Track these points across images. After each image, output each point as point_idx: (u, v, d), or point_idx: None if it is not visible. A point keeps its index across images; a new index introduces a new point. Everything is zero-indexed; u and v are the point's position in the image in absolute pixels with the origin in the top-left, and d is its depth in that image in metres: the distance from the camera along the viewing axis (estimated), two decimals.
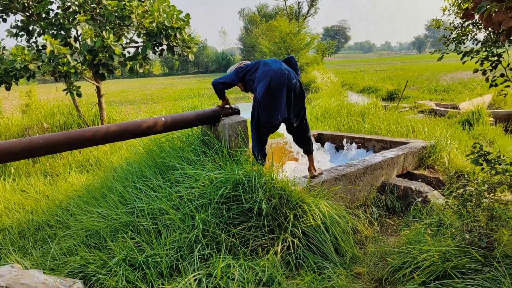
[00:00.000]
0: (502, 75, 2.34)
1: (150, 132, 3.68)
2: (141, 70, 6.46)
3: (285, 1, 47.68)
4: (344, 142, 6.20)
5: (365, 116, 8.03)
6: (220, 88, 4.00)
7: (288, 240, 3.20)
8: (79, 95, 6.60)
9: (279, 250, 3.14)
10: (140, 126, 3.55)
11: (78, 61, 6.29)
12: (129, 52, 6.86)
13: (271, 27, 32.10)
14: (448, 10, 5.26)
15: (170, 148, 4.11)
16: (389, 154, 4.93)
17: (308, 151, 4.32)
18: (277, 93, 3.70)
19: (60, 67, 6.00)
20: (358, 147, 6.05)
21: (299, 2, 48.92)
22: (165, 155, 4.01)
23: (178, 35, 6.39)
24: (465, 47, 2.97)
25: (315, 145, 5.97)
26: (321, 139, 6.56)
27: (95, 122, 8.54)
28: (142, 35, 6.69)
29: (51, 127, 8.76)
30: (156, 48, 6.72)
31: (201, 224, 3.10)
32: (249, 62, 4.15)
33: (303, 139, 4.28)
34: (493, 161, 2.75)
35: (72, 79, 6.26)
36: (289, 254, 3.17)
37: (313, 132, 6.65)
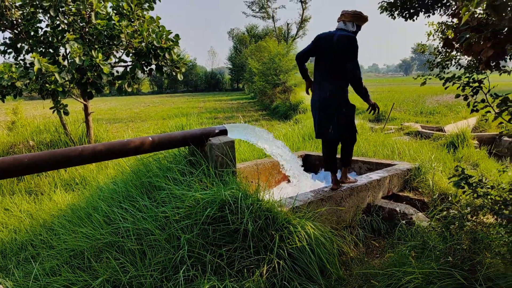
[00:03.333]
0: (483, 100, 2.41)
1: (137, 151, 3.68)
2: (129, 89, 6.48)
3: (274, 22, 48.27)
4: None
5: None
6: (299, 62, 4.54)
7: (274, 262, 3.19)
8: (66, 113, 6.58)
9: (264, 272, 3.12)
10: (127, 145, 3.55)
11: (66, 79, 6.29)
12: (117, 71, 6.88)
13: (260, 48, 32.40)
14: (433, 35, 5.41)
15: (157, 168, 4.10)
16: (374, 175, 4.97)
17: (345, 164, 4.70)
18: (315, 117, 4.45)
19: (47, 85, 5.99)
20: None
21: (288, 24, 49.68)
22: (152, 175, 4.00)
23: (167, 55, 6.44)
24: (448, 72, 3.05)
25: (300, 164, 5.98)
26: (308, 159, 6.60)
27: (82, 141, 8.49)
28: (131, 54, 6.73)
29: (37, 145, 8.68)
30: (145, 67, 6.75)
31: (187, 245, 3.08)
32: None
33: (344, 151, 4.65)
34: (474, 184, 2.80)
35: (59, 97, 6.25)
36: (275, 276, 3.16)
37: (300, 153, 6.69)
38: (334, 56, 4.23)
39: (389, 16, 4.78)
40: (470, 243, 3.01)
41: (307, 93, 4.66)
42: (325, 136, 4.41)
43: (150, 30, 6.58)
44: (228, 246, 3.22)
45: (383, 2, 4.61)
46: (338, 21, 4.42)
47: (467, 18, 1.44)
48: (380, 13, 4.77)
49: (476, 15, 1.88)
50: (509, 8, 1.31)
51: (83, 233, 3.63)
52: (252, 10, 48.11)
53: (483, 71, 2.52)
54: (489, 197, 2.89)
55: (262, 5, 46.78)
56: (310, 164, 6.56)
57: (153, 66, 6.75)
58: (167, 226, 3.29)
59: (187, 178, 3.82)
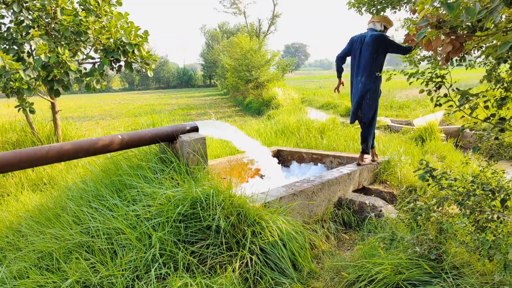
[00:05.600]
0: (445, 95, 2.48)
1: (106, 150, 3.63)
2: (98, 86, 6.36)
3: (245, 18, 48.20)
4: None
5: (323, 133, 8.19)
6: (338, 62, 5.29)
7: (246, 257, 3.21)
8: (32, 111, 6.41)
9: (237, 267, 3.14)
10: (95, 144, 3.49)
11: (32, 77, 6.13)
12: (85, 68, 6.74)
13: (232, 44, 32.27)
14: (399, 31, 5.53)
15: (127, 166, 4.05)
16: (345, 169, 5.05)
17: (363, 149, 5.36)
18: (352, 106, 5.23)
19: (12, 83, 5.82)
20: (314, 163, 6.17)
21: (259, 20, 49.62)
22: (122, 173, 3.95)
23: (136, 52, 6.35)
24: (412, 68, 3.13)
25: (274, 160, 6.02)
26: (280, 155, 6.65)
27: (50, 139, 8.28)
28: (99, 51, 6.60)
29: (2, 145, 8.42)
30: (113, 64, 6.64)
31: (158, 243, 3.06)
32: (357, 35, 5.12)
33: (362, 137, 5.35)
34: (438, 177, 2.88)
35: (24, 95, 6.08)
36: (247, 271, 3.18)
37: (272, 148, 6.73)
38: (368, 53, 4.88)
39: (356, 12, 4.89)
40: (436, 233, 3.10)
41: (337, 91, 5.54)
42: (359, 120, 5.26)
43: (119, 26, 6.46)
44: (200, 243, 3.21)
45: None
46: (368, 24, 5.08)
47: (424, 14, 1.49)
48: (348, 9, 4.85)
49: (439, 12, 1.93)
50: (462, 6, 1.37)
51: (51, 234, 3.55)
52: (224, 6, 47.76)
53: (445, 66, 2.58)
54: (453, 188, 2.98)
55: (233, 1, 46.56)
56: (282, 159, 6.61)
57: (122, 63, 6.64)
58: (138, 224, 3.26)
59: (158, 176, 3.79)
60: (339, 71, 5.37)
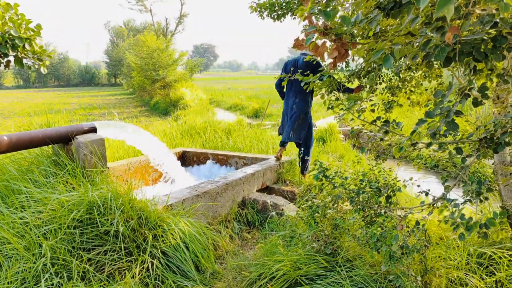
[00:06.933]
0: (337, 99, 2.62)
1: None
2: None
3: (152, 16, 47.01)
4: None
5: (229, 134, 8.27)
6: (278, 89, 5.58)
7: (147, 261, 3.13)
8: None
9: (137, 273, 3.04)
10: None
11: None
12: None
13: (139, 42, 31.24)
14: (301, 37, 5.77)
15: (15, 170, 3.73)
16: (249, 170, 5.14)
17: (301, 170, 5.45)
18: (283, 122, 5.51)
19: None
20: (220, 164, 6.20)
21: (166, 19, 48.71)
22: (9, 178, 3.63)
23: (27, 46, 5.87)
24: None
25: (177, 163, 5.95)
26: (185, 156, 6.58)
27: None
28: None
29: None
30: (0, 59, 6.07)
31: (50, 252, 2.86)
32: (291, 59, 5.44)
33: (301, 159, 5.40)
34: (331, 176, 3.05)
35: None
36: (148, 276, 3.10)
37: (177, 149, 6.64)
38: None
39: (258, 16, 4.99)
40: (332, 229, 3.28)
41: None
42: (290, 140, 5.42)
43: (7, 18, 5.92)
44: (97, 249, 3.06)
45: (252, 3, 4.78)
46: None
47: (309, 20, 1.58)
48: (250, 13, 4.94)
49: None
50: (338, 15, 1.47)
51: None
52: (129, 2, 46.05)
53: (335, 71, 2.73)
54: (345, 186, 3.17)
55: None
56: (187, 160, 6.54)
57: (11, 58, 6.09)
58: (26, 233, 3.02)
59: (51, 180, 3.54)
60: (283, 94, 5.60)
